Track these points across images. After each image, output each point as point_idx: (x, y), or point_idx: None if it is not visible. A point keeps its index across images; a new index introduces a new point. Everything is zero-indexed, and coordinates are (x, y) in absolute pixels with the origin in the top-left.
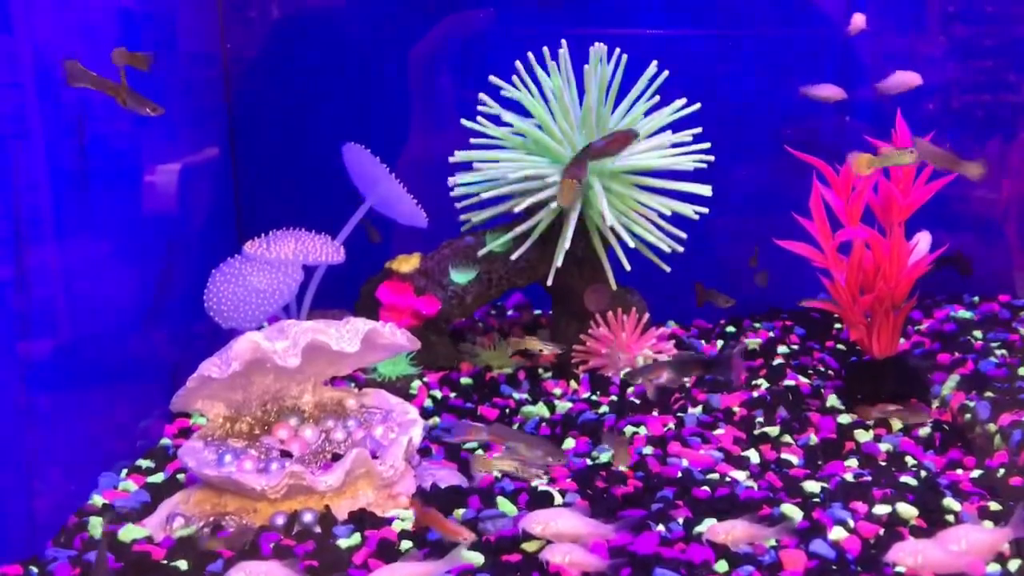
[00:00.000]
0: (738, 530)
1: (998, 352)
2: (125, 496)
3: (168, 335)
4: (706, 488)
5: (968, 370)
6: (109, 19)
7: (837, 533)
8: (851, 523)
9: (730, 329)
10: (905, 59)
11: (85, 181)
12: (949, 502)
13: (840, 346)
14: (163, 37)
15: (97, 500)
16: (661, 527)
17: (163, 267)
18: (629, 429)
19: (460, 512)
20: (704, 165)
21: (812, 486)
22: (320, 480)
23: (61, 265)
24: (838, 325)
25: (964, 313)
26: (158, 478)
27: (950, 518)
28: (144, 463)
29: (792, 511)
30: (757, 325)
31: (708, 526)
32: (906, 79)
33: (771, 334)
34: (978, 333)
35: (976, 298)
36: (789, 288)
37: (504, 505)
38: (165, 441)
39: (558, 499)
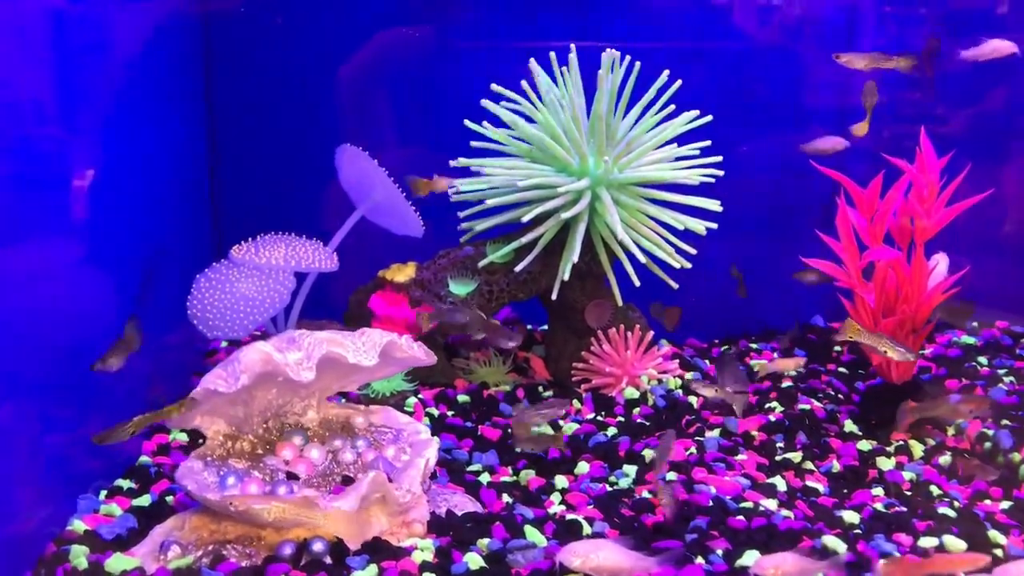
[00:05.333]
0: (788, 564)
1: (1006, 379)
2: (109, 521)
3: (143, 345)
4: (741, 517)
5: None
6: (87, 24)
7: None
8: (898, 556)
9: (727, 348)
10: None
11: (49, 185)
12: (994, 535)
13: (842, 369)
14: (142, 36)
15: (78, 526)
16: (701, 559)
17: (140, 275)
18: (648, 453)
19: (485, 542)
20: (712, 180)
21: (850, 516)
22: (333, 506)
23: (28, 271)
24: (837, 347)
25: (967, 339)
26: (144, 500)
27: (999, 552)
28: (124, 483)
29: (834, 543)
30: (755, 346)
31: (754, 559)
32: (1000, 47)
33: (774, 355)
34: (983, 359)
35: (976, 323)
36: (783, 309)
37: (532, 535)
38: (144, 459)
39: (586, 528)
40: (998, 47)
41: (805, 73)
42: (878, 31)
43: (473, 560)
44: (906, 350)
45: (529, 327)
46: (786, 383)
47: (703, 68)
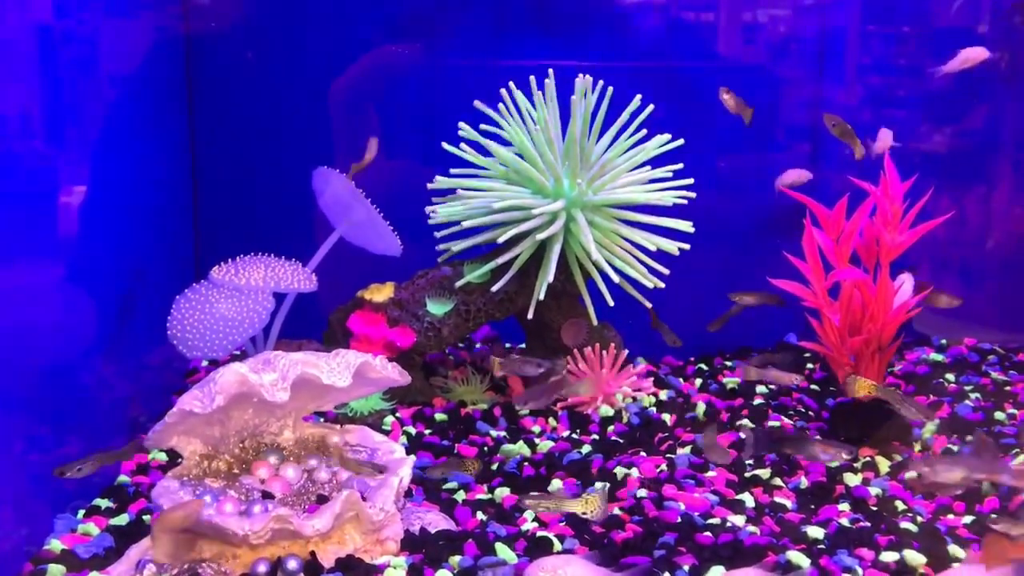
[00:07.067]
0: None
1: (972, 396)
2: (86, 540)
3: (122, 365)
4: (708, 534)
5: (945, 413)
6: (72, 42)
7: None
8: (859, 571)
9: (702, 367)
10: (885, 100)
11: (31, 204)
12: (954, 549)
13: (814, 386)
14: (125, 57)
15: (55, 545)
16: (667, 575)
17: (119, 294)
18: (620, 471)
19: (456, 559)
20: (685, 201)
21: (814, 532)
22: (308, 524)
23: (8, 289)
24: (810, 365)
25: (935, 356)
26: (122, 520)
27: (957, 566)
28: (102, 503)
29: (798, 558)
30: (729, 364)
31: (719, 575)
32: (972, 55)
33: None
34: (950, 376)
35: (944, 340)
36: (758, 328)
37: (503, 552)
38: (123, 478)
39: (557, 545)
40: (971, 55)
41: (784, 93)
42: (862, 49)
43: None
44: (918, 409)
45: (507, 346)
46: (757, 400)
47: (683, 88)
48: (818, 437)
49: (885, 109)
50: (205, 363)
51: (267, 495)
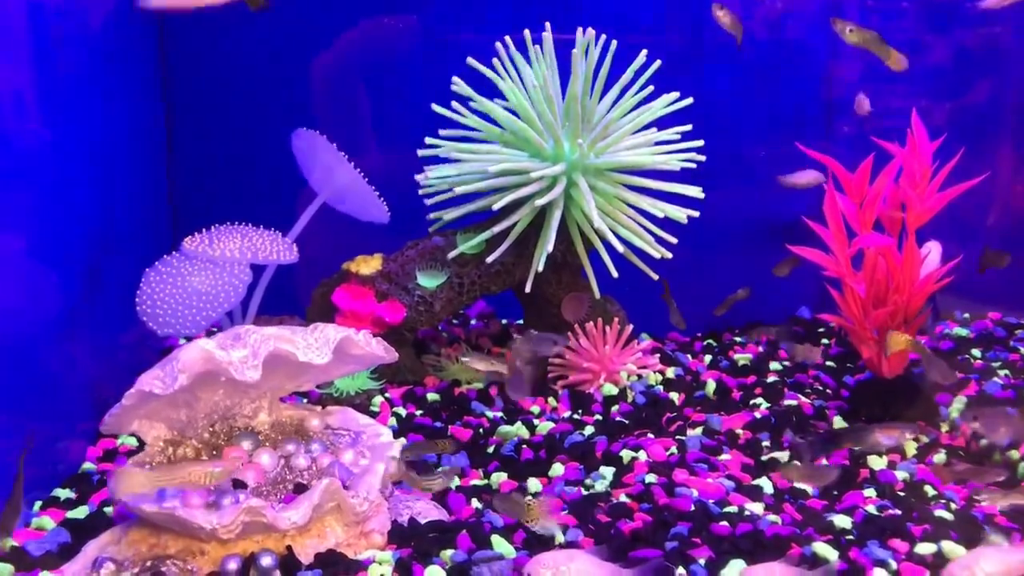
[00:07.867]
0: (776, 574)
1: (1000, 372)
2: (39, 536)
3: (91, 344)
4: (725, 523)
5: (973, 391)
6: (38, 11)
7: None
8: (893, 564)
9: (711, 343)
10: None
11: None
12: (996, 540)
13: (830, 363)
14: (97, 25)
15: (5, 542)
16: (681, 570)
17: (87, 267)
18: (626, 454)
19: (448, 554)
20: (693, 165)
21: (841, 521)
22: (283, 516)
23: None
24: (825, 340)
25: (960, 330)
26: (81, 512)
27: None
28: (63, 493)
29: (825, 551)
30: (739, 339)
31: (739, 570)
32: None
33: (760, 349)
34: (976, 352)
35: (967, 314)
36: (769, 301)
37: (500, 545)
38: (88, 466)
39: (559, 537)
40: None
41: (793, 68)
42: (862, 22)
43: (435, 574)
44: (943, 372)
45: (504, 321)
46: (771, 378)
47: (691, 63)
48: (848, 424)
49: (896, 84)
50: (182, 341)
51: (239, 484)
